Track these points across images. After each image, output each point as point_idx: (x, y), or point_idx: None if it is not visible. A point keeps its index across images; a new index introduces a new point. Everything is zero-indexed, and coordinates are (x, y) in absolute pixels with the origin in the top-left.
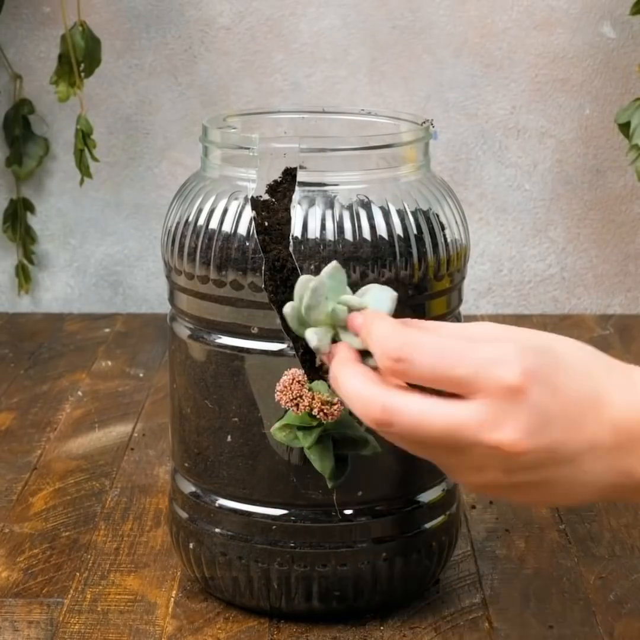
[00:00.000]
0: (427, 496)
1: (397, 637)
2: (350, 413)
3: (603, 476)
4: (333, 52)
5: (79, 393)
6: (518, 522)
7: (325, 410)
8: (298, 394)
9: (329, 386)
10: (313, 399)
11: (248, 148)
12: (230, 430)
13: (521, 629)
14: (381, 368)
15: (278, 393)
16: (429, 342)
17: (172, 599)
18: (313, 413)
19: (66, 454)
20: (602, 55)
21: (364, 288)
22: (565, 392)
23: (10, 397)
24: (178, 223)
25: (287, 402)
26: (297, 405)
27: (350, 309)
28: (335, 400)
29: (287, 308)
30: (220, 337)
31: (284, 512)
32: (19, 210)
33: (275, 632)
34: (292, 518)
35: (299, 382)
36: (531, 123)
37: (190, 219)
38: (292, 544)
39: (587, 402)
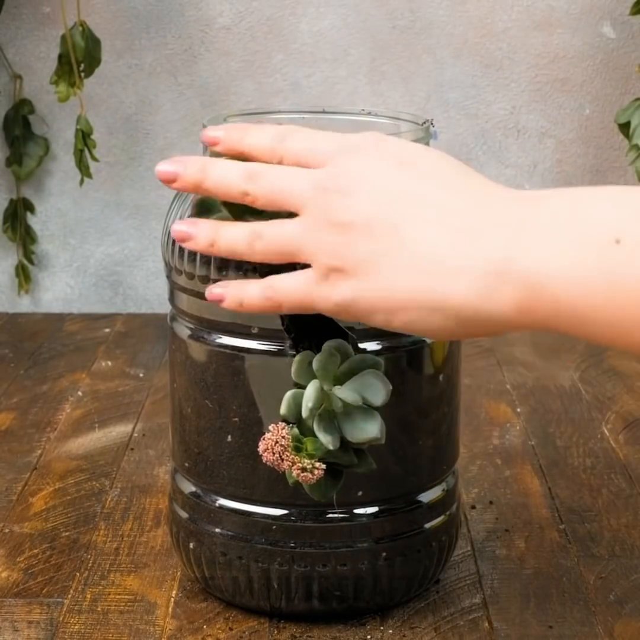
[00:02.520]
0: (427, 496)
1: (397, 637)
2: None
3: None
4: (333, 52)
5: (79, 393)
6: (518, 522)
7: (302, 477)
8: (280, 457)
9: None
10: (293, 464)
11: None
12: (230, 430)
13: (521, 629)
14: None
15: (261, 450)
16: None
17: (172, 599)
18: (293, 475)
19: (66, 454)
20: (602, 55)
21: (359, 374)
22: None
23: (10, 397)
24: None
25: (268, 460)
26: (278, 465)
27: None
28: (317, 465)
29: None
30: (220, 337)
31: (284, 512)
32: (19, 210)
33: (275, 632)
34: (292, 518)
35: (281, 445)
36: (531, 123)
37: (191, 214)
38: (292, 544)
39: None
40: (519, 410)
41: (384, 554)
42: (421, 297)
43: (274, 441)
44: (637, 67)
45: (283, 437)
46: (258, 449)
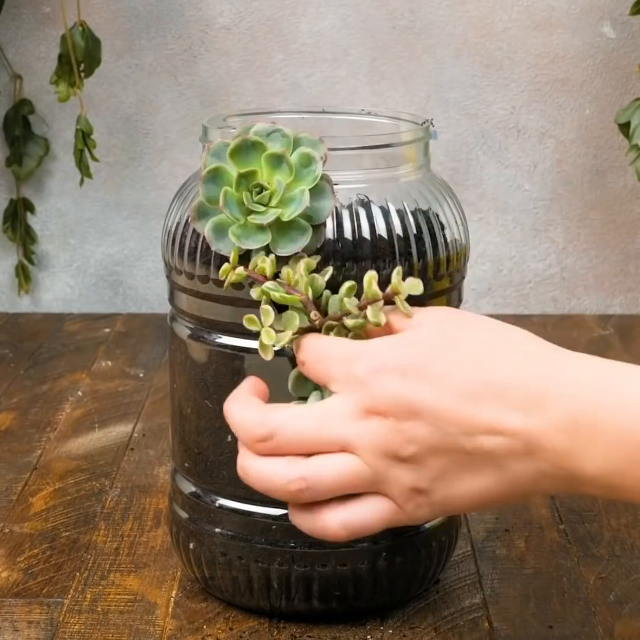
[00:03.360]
0: None
1: (397, 637)
2: None
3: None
4: (333, 52)
5: (79, 393)
6: (518, 522)
7: None
8: None
9: None
10: None
11: None
12: (230, 431)
13: (521, 629)
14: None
15: None
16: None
17: (172, 599)
18: None
19: (66, 454)
20: (602, 55)
21: None
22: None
23: (10, 397)
24: (178, 223)
25: None
26: None
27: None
28: None
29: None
30: (220, 337)
31: (284, 512)
32: (19, 210)
33: (275, 632)
34: None
35: None
36: (531, 123)
37: (190, 219)
38: (292, 544)
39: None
40: None
41: (384, 554)
42: (505, 496)
43: None
44: (637, 67)
45: None
46: None
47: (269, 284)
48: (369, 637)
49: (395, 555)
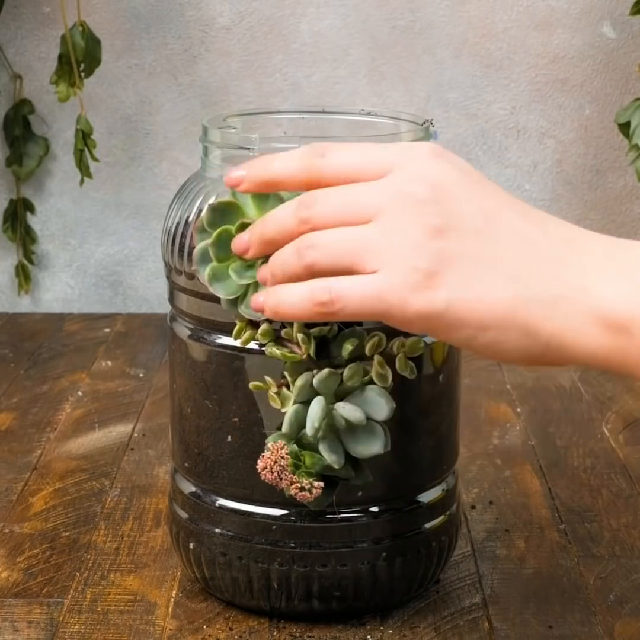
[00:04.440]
0: (427, 496)
1: (397, 637)
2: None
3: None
4: (333, 52)
5: (79, 393)
6: (518, 522)
7: (300, 496)
8: (278, 477)
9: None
10: (291, 483)
11: (248, 148)
12: (230, 431)
13: (521, 629)
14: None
15: (259, 468)
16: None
17: (172, 599)
18: (291, 493)
19: (66, 454)
20: (602, 55)
21: (361, 389)
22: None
23: (10, 397)
24: (178, 223)
25: (266, 478)
26: (277, 484)
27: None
28: (316, 485)
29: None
30: (220, 337)
31: (284, 512)
32: (19, 210)
33: (275, 632)
34: (292, 518)
35: (280, 465)
36: (531, 123)
37: (190, 219)
38: (292, 544)
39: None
40: (519, 410)
41: (384, 554)
42: (519, 316)
43: (273, 461)
44: (637, 67)
45: (282, 457)
46: (257, 467)
47: (271, 348)
48: (369, 637)
49: (395, 555)
